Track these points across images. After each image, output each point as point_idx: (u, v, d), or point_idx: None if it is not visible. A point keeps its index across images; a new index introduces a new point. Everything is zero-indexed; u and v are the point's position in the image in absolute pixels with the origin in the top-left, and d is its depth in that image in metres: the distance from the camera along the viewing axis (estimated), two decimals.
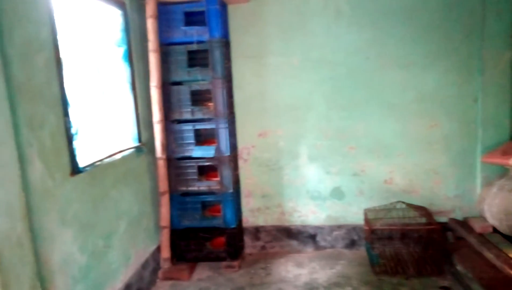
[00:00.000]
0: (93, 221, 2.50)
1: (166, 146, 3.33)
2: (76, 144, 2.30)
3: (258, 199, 3.76)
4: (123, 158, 2.93)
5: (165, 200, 3.32)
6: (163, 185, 3.30)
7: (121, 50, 3.05)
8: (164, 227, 3.35)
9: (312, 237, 3.74)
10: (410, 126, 3.48)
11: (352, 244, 3.71)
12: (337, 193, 3.66)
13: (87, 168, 2.44)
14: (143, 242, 3.23)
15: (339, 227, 3.70)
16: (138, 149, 3.16)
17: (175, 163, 3.40)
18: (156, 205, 3.41)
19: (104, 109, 2.99)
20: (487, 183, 3.28)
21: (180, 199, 3.46)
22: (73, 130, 2.28)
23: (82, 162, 2.39)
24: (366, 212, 3.50)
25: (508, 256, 2.74)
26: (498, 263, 2.72)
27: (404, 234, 3.49)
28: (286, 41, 3.53)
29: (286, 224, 3.77)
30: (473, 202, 3.45)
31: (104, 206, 2.66)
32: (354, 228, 3.67)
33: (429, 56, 3.38)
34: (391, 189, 3.58)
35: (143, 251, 3.23)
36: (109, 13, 2.95)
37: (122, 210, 2.90)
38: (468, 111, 3.40)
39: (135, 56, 3.19)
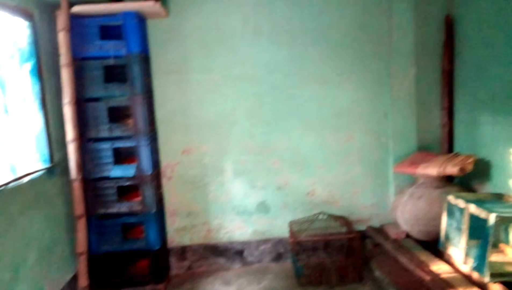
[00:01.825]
0: None
1: (82, 167, 3.13)
2: None
3: (183, 218, 3.67)
4: (32, 181, 2.70)
5: (81, 225, 3.11)
6: (79, 208, 3.09)
7: (29, 64, 2.84)
8: (81, 254, 3.12)
9: (239, 253, 3.72)
10: (328, 140, 3.64)
11: (278, 257, 3.75)
12: (263, 207, 3.70)
13: None
14: (58, 271, 2.99)
15: (266, 241, 3.73)
16: (49, 170, 2.94)
17: (92, 184, 3.21)
18: (72, 230, 3.17)
19: (9, 129, 2.73)
20: (399, 191, 3.52)
21: (98, 223, 3.26)
22: None
23: None
24: (291, 224, 3.57)
25: (420, 260, 2.93)
26: (411, 266, 2.90)
27: (327, 243, 3.61)
28: (207, 57, 3.53)
29: (213, 241, 3.71)
30: (388, 210, 3.68)
31: (10, 235, 2.41)
32: (280, 241, 3.72)
33: (343, 73, 3.58)
34: (314, 201, 3.69)
35: (58, 281, 2.98)
36: (14, 24, 2.74)
37: (32, 238, 2.66)
38: (380, 124, 3.64)
39: (45, 71, 2.98)
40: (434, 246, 3.06)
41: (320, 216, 3.54)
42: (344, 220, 3.54)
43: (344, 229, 3.48)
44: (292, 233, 3.46)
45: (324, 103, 3.60)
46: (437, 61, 3.58)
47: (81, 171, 3.11)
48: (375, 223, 3.73)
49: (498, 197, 2.80)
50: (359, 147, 3.65)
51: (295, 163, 3.65)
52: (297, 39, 3.54)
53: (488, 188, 3.08)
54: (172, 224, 3.67)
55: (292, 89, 3.58)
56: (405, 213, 3.24)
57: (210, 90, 3.55)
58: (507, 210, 2.47)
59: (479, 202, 2.64)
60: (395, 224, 3.50)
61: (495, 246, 2.79)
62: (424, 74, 3.59)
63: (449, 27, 3.49)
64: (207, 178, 3.64)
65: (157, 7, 3.16)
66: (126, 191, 3.35)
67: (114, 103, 3.21)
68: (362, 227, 3.71)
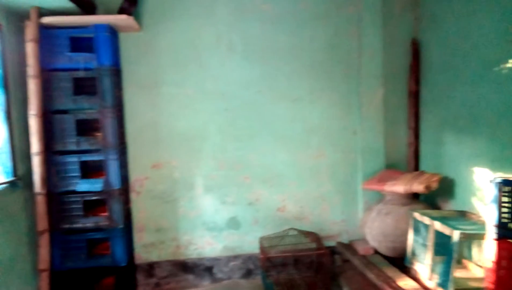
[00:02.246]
0: None
1: (47, 180, 3.04)
2: None
3: (151, 234, 3.60)
4: None
5: (44, 240, 2.99)
6: (43, 223, 2.98)
7: None
8: (43, 270, 3.00)
9: (209, 269, 3.67)
10: (299, 156, 3.68)
11: (248, 273, 3.72)
12: (233, 223, 3.68)
13: None
14: (18, 289, 2.86)
15: (236, 257, 3.70)
16: (12, 184, 2.83)
17: (57, 198, 3.11)
18: (34, 246, 3.05)
19: None
20: (368, 208, 3.58)
21: (62, 238, 3.15)
22: None
23: None
24: (261, 240, 3.56)
25: (387, 276, 2.98)
26: (378, 282, 2.94)
27: (297, 260, 3.61)
28: (180, 72, 3.53)
29: (182, 258, 3.65)
30: (357, 226, 3.73)
31: None
32: (250, 257, 3.70)
33: (314, 92, 3.65)
34: (284, 217, 3.70)
35: None
36: None
37: None
38: (350, 142, 3.72)
39: (12, 82, 2.90)
40: (401, 262, 3.11)
41: (291, 232, 3.55)
42: (314, 236, 3.56)
43: (314, 245, 3.50)
44: (263, 249, 3.45)
45: (295, 120, 3.66)
46: (404, 83, 3.71)
47: (46, 185, 3.01)
48: (344, 239, 3.77)
49: (462, 214, 2.89)
50: (329, 164, 3.71)
51: (267, 179, 3.67)
52: (270, 57, 3.60)
53: (452, 205, 3.17)
54: (140, 240, 3.59)
55: (264, 106, 3.62)
56: (373, 230, 3.30)
57: (182, 105, 3.55)
58: (470, 227, 2.55)
59: (443, 219, 2.72)
60: (364, 240, 3.55)
61: (459, 262, 2.87)
62: (392, 94, 3.71)
63: (415, 51, 3.63)
64: (177, 193, 3.60)
65: (130, 21, 3.15)
66: (93, 205, 3.27)
67: (83, 116, 3.15)
68: (331, 243, 3.74)
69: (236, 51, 3.57)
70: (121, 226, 3.21)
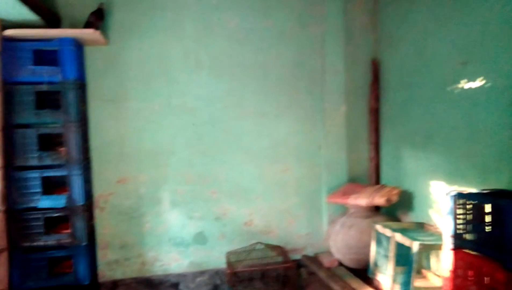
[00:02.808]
0: None
1: (6, 196, 2.92)
2: None
3: (116, 251, 3.52)
4: None
5: (3, 259, 2.87)
6: (1, 241, 2.86)
7: None
8: None
9: (175, 286, 3.63)
10: (266, 170, 3.74)
11: (215, 288, 3.70)
12: (200, 238, 3.67)
13: None
14: None
15: (202, 272, 3.68)
16: None
17: (17, 215, 3.00)
18: None
19: None
20: (332, 221, 3.68)
21: (22, 257, 3.03)
22: None
23: None
24: (228, 255, 3.57)
25: (351, 287, 3.07)
26: None
27: (264, 273, 3.64)
28: (147, 86, 3.52)
29: (147, 274, 3.59)
30: (322, 239, 3.82)
31: None
32: (217, 273, 3.69)
33: (280, 107, 3.75)
34: (251, 231, 3.73)
35: None
36: None
37: None
38: (314, 157, 3.83)
39: None
40: (365, 273, 3.22)
41: (257, 246, 3.58)
42: (280, 250, 3.61)
43: (280, 259, 3.54)
44: (229, 264, 3.46)
45: (262, 135, 3.73)
46: (366, 100, 3.89)
47: (5, 201, 2.90)
48: (310, 252, 3.85)
49: (420, 226, 3.04)
50: (295, 177, 3.79)
51: (234, 193, 3.70)
52: (237, 73, 3.66)
53: (411, 217, 3.33)
54: (104, 257, 3.51)
55: (232, 121, 3.67)
56: (338, 242, 3.39)
57: (149, 120, 3.53)
58: (428, 238, 2.69)
59: (403, 231, 2.86)
60: (329, 253, 3.63)
61: (419, 272, 3.01)
62: (354, 111, 3.86)
63: (375, 70, 3.82)
64: (143, 208, 3.56)
65: (96, 35, 3.13)
66: (55, 222, 3.17)
67: (46, 130, 3.07)
68: (297, 256, 3.80)
69: (203, 66, 3.62)
70: (84, 243, 3.13)
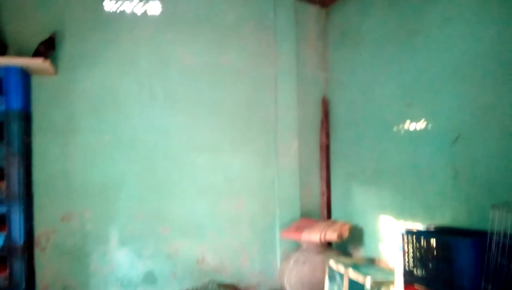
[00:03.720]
0: None
1: None
2: None
3: None
4: None
5: None
6: None
7: None
8: None
9: None
10: (219, 206, 3.70)
11: None
12: (150, 278, 3.50)
13: None
14: None
15: None
16: None
17: None
18: None
19: None
20: (286, 257, 3.67)
21: None
22: None
23: None
24: None
25: None
26: None
27: None
28: (97, 118, 3.41)
29: None
30: (275, 276, 3.79)
31: None
32: None
33: (234, 143, 3.76)
34: (204, 269, 3.63)
35: None
36: None
37: None
38: (268, 191, 3.85)
39: None
40: None
41: (210, 285, 3.48)
42: (233, 289, 3.53)
43: None
44: None
45: (216, 170, 3.70)
46: (317, 136, 4.01)
47: None
48: (264, 289, 3.80)
49: (372, 261, 3.12)
50: (249, 213, 3.78)
51: (186, 230, 3.60)
52: (191, 108, 3.65)
53: (362, 252, 3.41)
54: None
55: (185, 156, 3.62)
56: (291, 279, 3.38)
57: (98, 153, 3.40)
58: (380, 273, 2.76)
59: (356, 267, 2.91)
60: None
61: None
62: (306, 147, 3.97)
63: (325, 108, 3.98)
64: (88, 247, 3.35)
65: (46, 64, 3.02)
66: None
67: None
68: None
69: (157, 100, 3.58)
70: (22, 287, 2.88)
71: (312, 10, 4.09)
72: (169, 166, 3.58)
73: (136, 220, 3.47)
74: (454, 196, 2.48)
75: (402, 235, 2.27)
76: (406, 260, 2.25)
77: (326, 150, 3.95)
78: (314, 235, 3.35)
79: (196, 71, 3.69)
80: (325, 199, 3.93)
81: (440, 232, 2.25)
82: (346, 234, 3.30)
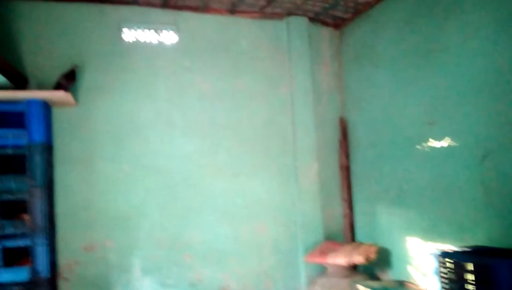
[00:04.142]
0: None
1: None
2: None
3: None
4: None
5: None
6: None
7: None
8: None
9: None
10: (241, 231, 3.65)
11: None
12: None
13: None
14: None
15: None
16: None
17: None
18: None
19: None
20: (311, 282, 3.59)
21: None
22: None
23: None
24: None
25: None
26: None
27: None
28: (117, 147, 3.42)
29: None
30: None
31: None
32: None
33: (254, 166, 3.74)
34: None
35: None
36: None
37: None
38: (289, 214, 3.80)
39: None
40: None
41: None
42: None
43: None
44: None
45: (236, 194, 3.67)
46: (336, 157, 3.97)
47: None
48: None
49: (401, 284, 3.03)
50: (270, 237, 3.72)
51: (208, 257, 3.54)
52: (209, 132, 3.66)
53: (390, 274, 3.33)
54: None
55: (205, 181, 3.61)
56: None
57: (118, 182, 3.40)
58: None
59: None
60: None
61: None
62: (326, 168, 3.92)
63: (343, 128, 3.96)
64: (111, 277, 3.31)
65: (67, 96, 3.06)
66: None
67: (9, 196, 2.87)
68: None
69: (176, 126, 3.59)
70: None
71: (326, 32, 4.11)
72: (189, 192, 3.56)
73: (158, 248, 3.44)
74: (486, 215, 2.41)
75: (438, 256, 2.21)
76: (443, 283, 2.18)
77: (346, 171, 3.91)
78: (340, 259, 3.28)
79: (213, 96, 3.71)
80: (348, 221, 3.86)
81: (478, 252, 2.18)
82: (373, 256, 3.23)
